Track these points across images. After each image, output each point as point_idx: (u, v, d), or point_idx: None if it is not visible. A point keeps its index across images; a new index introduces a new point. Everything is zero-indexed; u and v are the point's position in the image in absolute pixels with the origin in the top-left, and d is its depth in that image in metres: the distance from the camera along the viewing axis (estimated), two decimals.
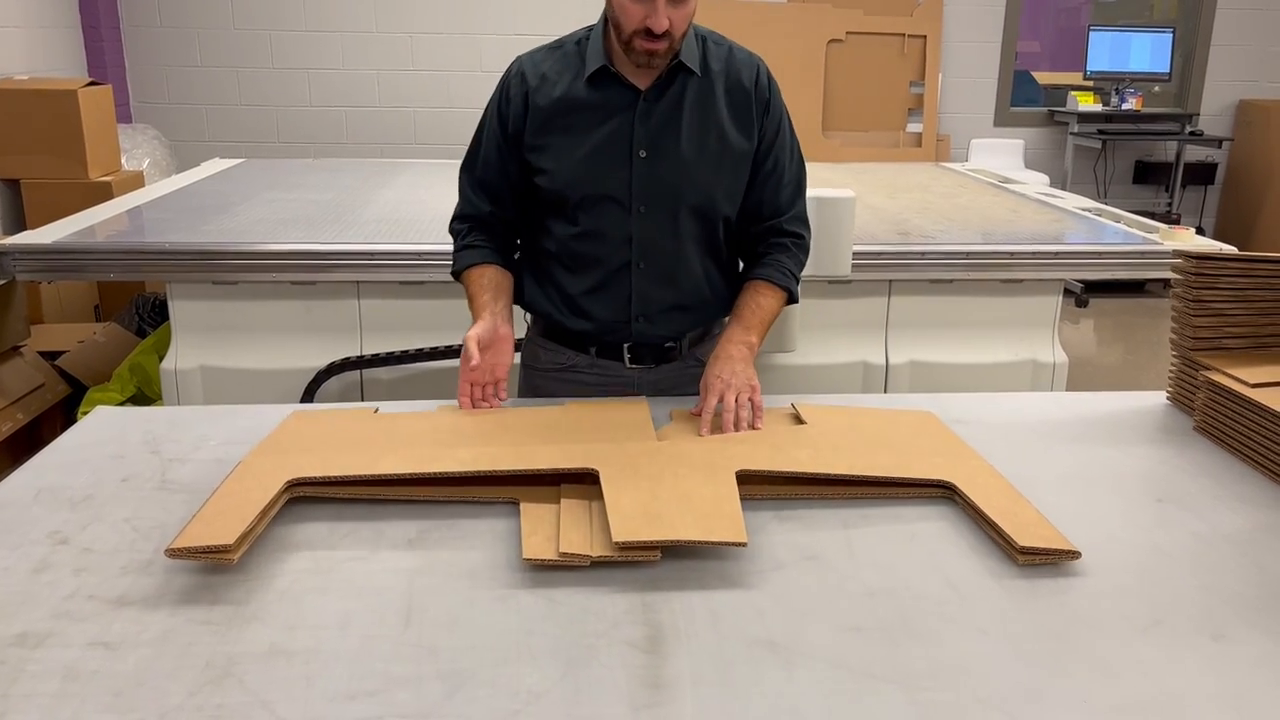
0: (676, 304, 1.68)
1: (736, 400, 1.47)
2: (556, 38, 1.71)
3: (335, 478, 1.20)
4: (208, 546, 1.04)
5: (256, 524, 1.10)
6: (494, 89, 1.68)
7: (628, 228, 1.64)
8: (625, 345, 1.70)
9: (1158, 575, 1.07)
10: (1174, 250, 1.51)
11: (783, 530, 1.17)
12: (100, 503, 1.20)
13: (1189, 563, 1.10)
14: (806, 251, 1.75)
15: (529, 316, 1.80)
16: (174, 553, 1.04)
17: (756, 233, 1.71)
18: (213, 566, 1.05)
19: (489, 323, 1.57)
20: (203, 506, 1.13)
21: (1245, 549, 1.13)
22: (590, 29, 1.66)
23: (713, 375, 1.52)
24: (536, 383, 1.78)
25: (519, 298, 1.76)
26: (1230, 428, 1.38)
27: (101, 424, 1.43)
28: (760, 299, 1.66)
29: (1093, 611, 1.01)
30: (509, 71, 1.67)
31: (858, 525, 1.18)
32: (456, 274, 1.73)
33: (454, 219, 1.74)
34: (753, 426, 1.46)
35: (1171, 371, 1.56)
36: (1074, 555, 1.09)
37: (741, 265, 1.80)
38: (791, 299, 1.71)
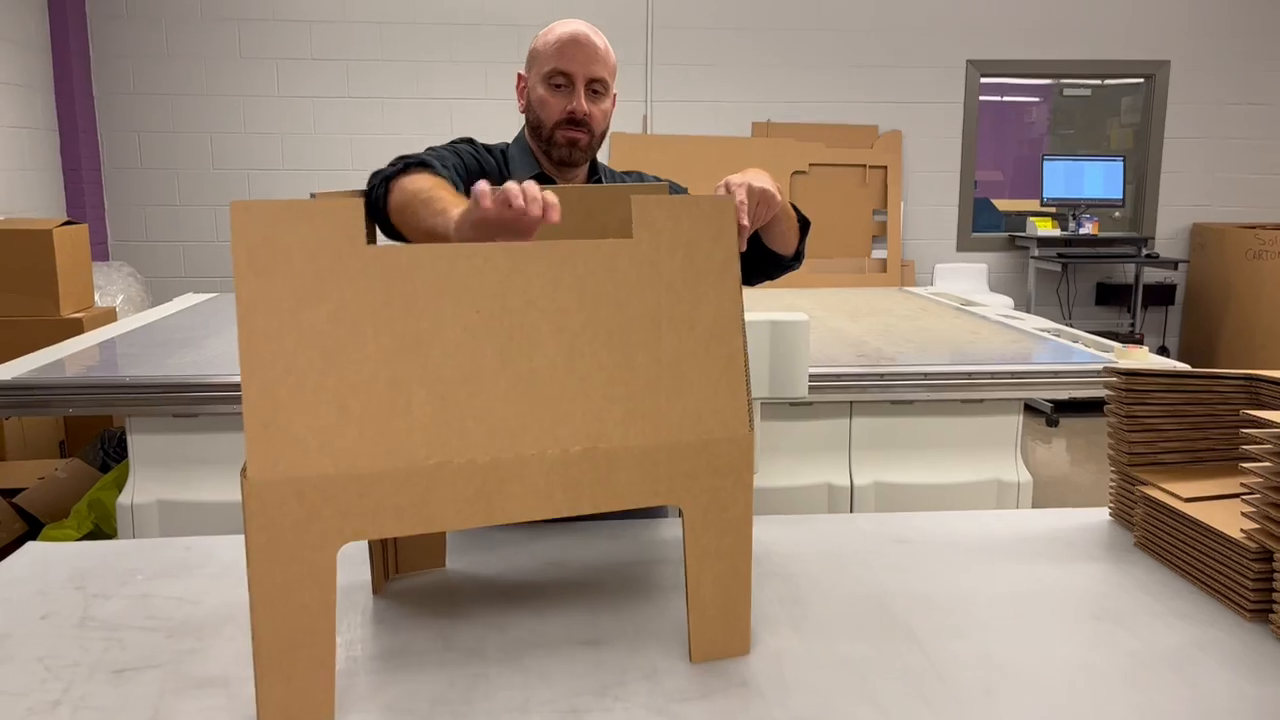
0: None
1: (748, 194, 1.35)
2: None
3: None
4: None
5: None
6: (454, 139, 1.72)
7: None
8: None
9: (1090, 696, 1.05)
10: (1104, 368, 1.54)
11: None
12: (16, 641, 1.16)
13: (1121, 682, 1.08)
14: None
15: None
16: None
17: None
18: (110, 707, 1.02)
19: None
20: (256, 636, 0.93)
21: (1179, 667, 1.11)
22: (504, 145, 1.77)
23: (733, 177, 1.40)
24: None
25: None
26: (1168, 543, 1.38)
27: (30, 560, 1.41)
28: None
29: None
30: (463, 139, 1.73)
31: (789, 652, 1.15)
32: (389, 178, 1.46)
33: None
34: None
35: (1111, 487, 1.56)
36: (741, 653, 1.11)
37: None
38: (804, 228, 1.67)
